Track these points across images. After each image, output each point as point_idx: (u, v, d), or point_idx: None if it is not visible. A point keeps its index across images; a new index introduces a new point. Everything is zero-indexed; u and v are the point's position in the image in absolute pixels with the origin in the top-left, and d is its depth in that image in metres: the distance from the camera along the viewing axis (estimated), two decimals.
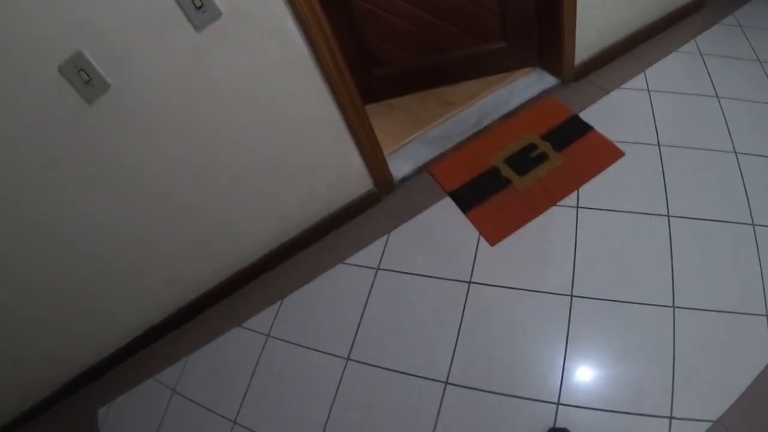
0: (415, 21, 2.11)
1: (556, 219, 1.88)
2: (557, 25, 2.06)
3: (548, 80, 2.26)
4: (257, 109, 1.56)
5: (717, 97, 2.20)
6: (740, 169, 1.91)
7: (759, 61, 2.41)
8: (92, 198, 1.48)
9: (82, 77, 1.23)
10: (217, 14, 1.29)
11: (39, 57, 1.17)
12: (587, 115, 2.15)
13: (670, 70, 2.34)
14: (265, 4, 1.35)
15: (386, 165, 2.00)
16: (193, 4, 1.24)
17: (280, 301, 1.95)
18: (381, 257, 1.94)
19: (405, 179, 2.09)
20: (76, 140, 1.34)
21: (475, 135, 2.14)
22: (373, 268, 1.92)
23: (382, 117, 2.31)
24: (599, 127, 2.09)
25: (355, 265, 1.95)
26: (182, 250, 1.79)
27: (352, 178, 1.95)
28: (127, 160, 1.46)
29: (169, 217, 1.68)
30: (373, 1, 2.02)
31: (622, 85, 2.26)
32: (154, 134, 1.44)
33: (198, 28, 1.29)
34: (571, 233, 1.83)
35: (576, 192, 1.92)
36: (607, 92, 2.23)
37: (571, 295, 1.70)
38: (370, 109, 2.29)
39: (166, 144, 1.48)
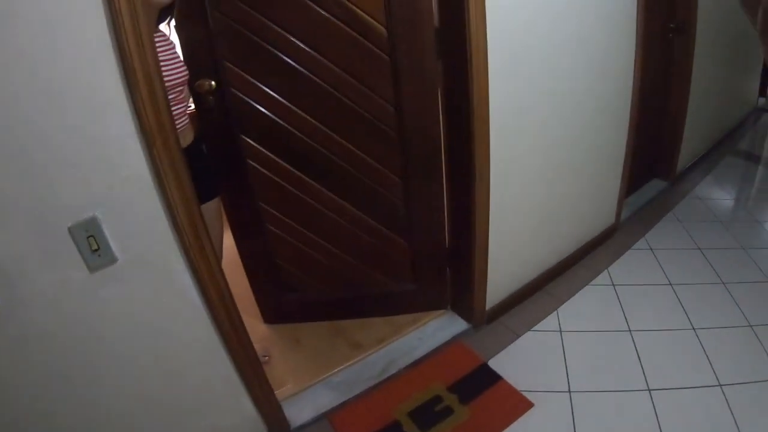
0: (325, 254, 2.22)
1: None
2: (468, 270, 2.17)
3: (459, 324, 2.30)
4: (144, 352, 1.54)
5: (630, 331, 2.23)
6: (654, 407, 1.86)
7: (670, 284, 2.52)
8: None
9: None
10: (113, 260, 1.32)
11: None
12: (497, 362, 2.13)
13: (583, 306, 2.40)
14: (164, 259, 1.41)
15: (282, 412, 1.92)
16: (89, 246, 1.28)
17: None
18: None
19: (303, 427, 2.00)
20: None
21: (382, 383, 2.10)
22: None
23: (288, 352, 2.30)
24: (509, 374, 2.06)
25: None
26: None
27: (243, 425, 1.87)
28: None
29: None
30: (285, 229, 2.14)
31: (534, 327, 2.28)
32: (34, 362, 1.39)
33: (92, 269, 1.31)
34: None
35: None
36: (518, 336, 2.25)
37: None
38: (277, 341, 2.34)
39: (44, 373, 1.42)
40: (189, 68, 1.77)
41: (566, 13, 2.04)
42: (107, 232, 1.31)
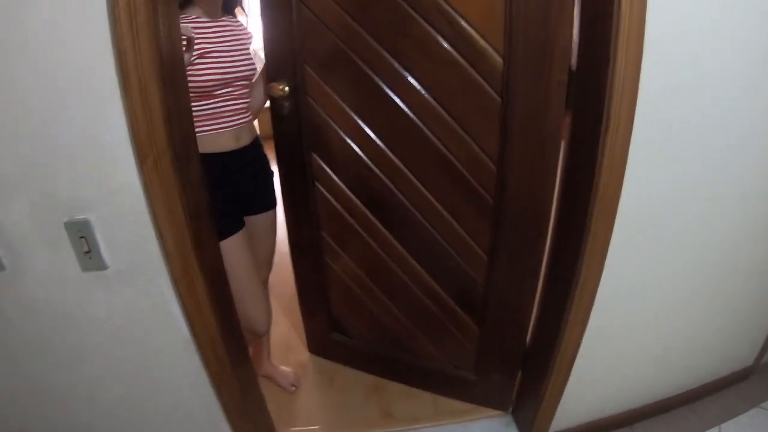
0: (380, 308, 1.95)
1: None
2: (542, 380, 1.72)
3: None
4: (125, 358, 1.43)
5: None
6: None
7: None
8: None
9: None
10: (102, 266, 1.25)
11: None
12: None
13: None
14: (154, 281, 1.30)
15: None
16: (81, 246, 1.21)
17: None
18: None
19: None
20: None
21: None
22: None
23: (317, 390, 2.12)
24: None
25: None
26: None
27: None
28: None
29: None
30: (342, 269, 1.92)
31: None
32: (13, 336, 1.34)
33: (83, 268, 1.25)
34: None
35: None
36: None
37: None
38: (312, 373, 2.20)
39: (28, 340, 1.36)
40: (268, 66, 1.62)
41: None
42: (99, 238, 1.22)
